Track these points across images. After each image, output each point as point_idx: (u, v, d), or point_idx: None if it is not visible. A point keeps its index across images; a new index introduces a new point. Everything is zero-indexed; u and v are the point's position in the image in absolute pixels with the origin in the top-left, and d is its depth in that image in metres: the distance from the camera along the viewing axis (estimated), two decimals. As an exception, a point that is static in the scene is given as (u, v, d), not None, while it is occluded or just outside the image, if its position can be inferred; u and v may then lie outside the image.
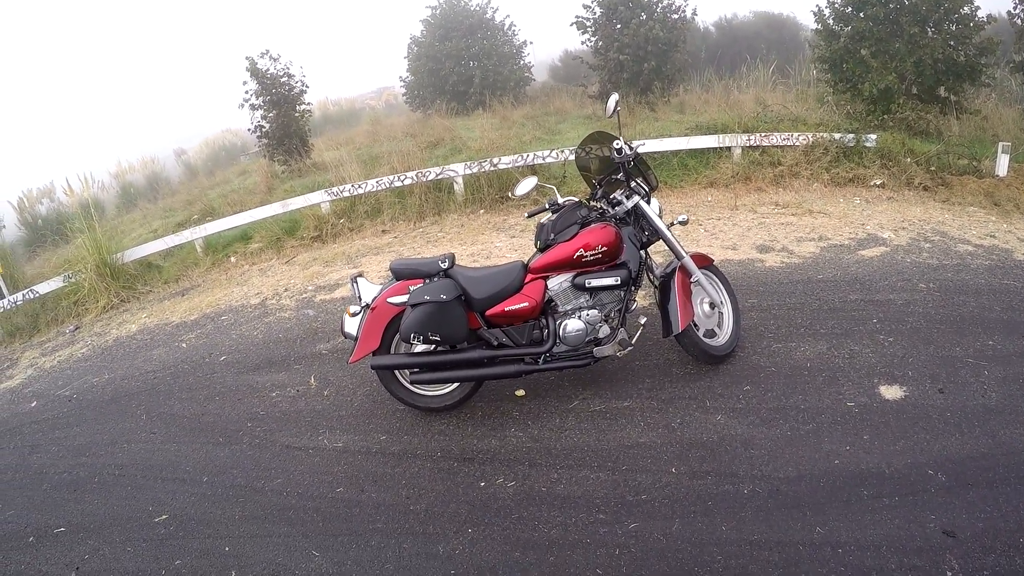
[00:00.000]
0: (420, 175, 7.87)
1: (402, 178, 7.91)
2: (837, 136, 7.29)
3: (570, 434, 3.35)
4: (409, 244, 7.06)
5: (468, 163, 7.83)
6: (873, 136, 7.26)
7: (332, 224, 7.85)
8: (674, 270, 3.58)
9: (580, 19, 11.30)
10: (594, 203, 3.68)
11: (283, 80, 10.97)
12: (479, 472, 3.17)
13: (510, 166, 7.73)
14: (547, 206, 3.62)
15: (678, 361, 3.85)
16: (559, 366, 3.44)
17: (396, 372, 3.58)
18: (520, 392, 3.75)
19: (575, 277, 3.40)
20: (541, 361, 3.42)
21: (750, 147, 7.51)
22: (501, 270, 3.46)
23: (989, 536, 2.47)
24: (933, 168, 6.87)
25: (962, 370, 3.53)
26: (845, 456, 2.98)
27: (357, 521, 3.02)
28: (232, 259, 7.87)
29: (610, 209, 3.60)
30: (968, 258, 5.01)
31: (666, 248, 3.68)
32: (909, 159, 7.00)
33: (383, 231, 7.69)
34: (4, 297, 7.73)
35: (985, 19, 7.92)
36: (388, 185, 7.92)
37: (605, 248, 3.35)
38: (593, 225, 3.45)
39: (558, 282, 3.42)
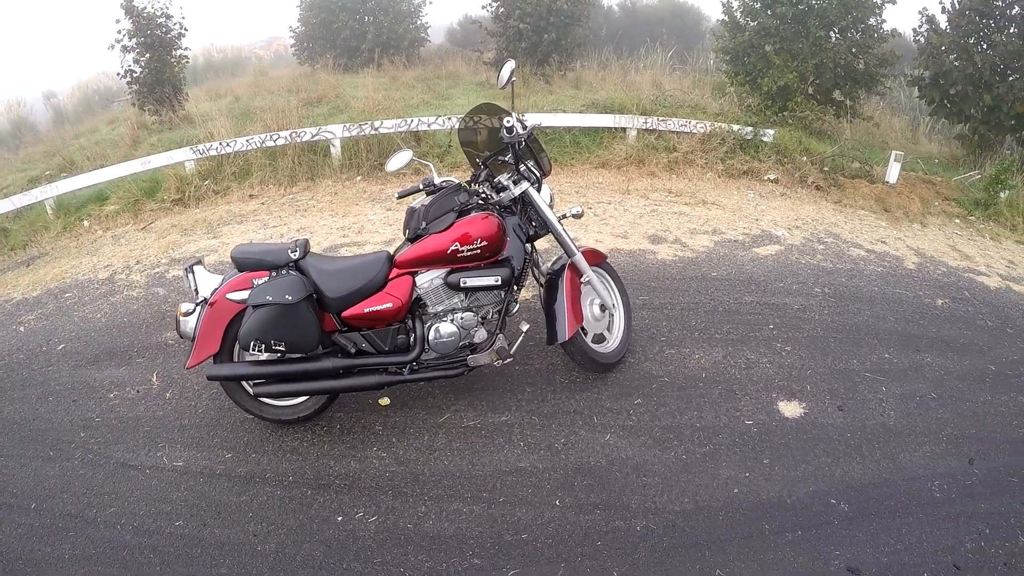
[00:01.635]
0: (294, 135, 7.00)
1: (275, 137, 7.02)
2: (736, 128, 7.10)
3: (440, 456, 2.91)
4: (276, 212, 6.27)
5: (347, 125, 7.06)
6: (771, 131, 7.13)
7: (196, 186, 6.87)
8: (563, 268, 3.11)
9: (484, -18, 10.46)
10: (476, 187, 3.10)
11: (160, 21, 9.47)
12: (336, 503, 2.70)
13: (392, 131, 7.03)
14: (421, 187, 3.05)
15: (562, 367, 3.45)
16: (427, 376, 2.95)
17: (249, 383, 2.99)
18: (384, 401, 3.26)
19: (448, 274, 2.86)
20: (407, 371, 2.91)
21: (646, 130, 7.18)
22: (362, 262, 2.89)
23: (894, 571, 2.36)
24: (827, 169, 6.81)
25: (860, 385, 3.38)
26: (744, 484, 2.73)
27: (198, 564, 2.51)
28: (85, 223, 6.74)
29: (494, 195, 3.03)
30: (861, 263, 4.86)
31: (555, 240, 3.20)
32: (804, 157, 6.92)
33: (251, 196, 6.81)
34: None
35: (890, 32, 8.02)
36: (259, 144, 7.01)
37: (485, 242, 2.83)
38: (473, 214, 2.91)
39: (428, 279, 2.87)
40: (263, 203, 6.64)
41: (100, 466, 3.14)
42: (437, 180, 3.03)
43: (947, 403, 3.32)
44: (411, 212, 2.95)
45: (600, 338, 3.36)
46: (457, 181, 3.05)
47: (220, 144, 7.01)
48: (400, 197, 3.15)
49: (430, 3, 14.88)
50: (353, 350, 2.91)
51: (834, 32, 7.84)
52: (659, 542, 2.48)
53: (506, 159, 3.03)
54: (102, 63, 9.53)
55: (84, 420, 3.50)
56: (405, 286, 2.84)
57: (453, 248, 2.81)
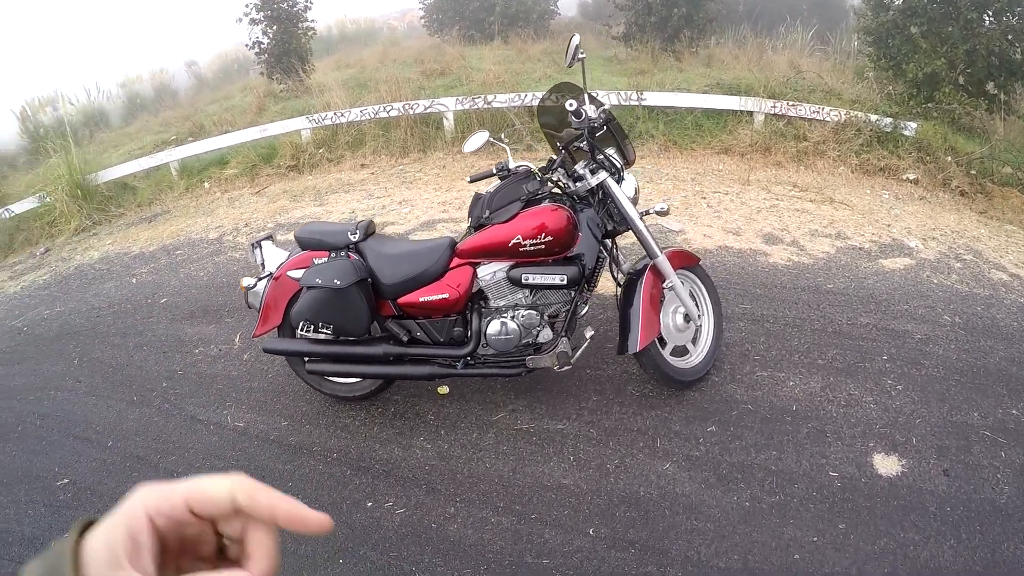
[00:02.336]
0: (408, 107, 7.08)
1: (388, 108, 7.14)
2: (873, 118, 6.25)
3: (484, 456, 2.75)
4: (383, 183, 6.39)
5: (460, 98, 7.02)
6: (913, 124, 6.21)
7: (310, 154, 7.19)
8: (644, 269, 2.81)
9: (615, -47, 10.06)
10: (550, 175, 2.84)
11: None
12: (370, 488, 2.64)
13: (505, 105, 6.86)
14: (494, 171, 2.82)
15: (637, 377, 3.13)
16: (482, 373, 2.79)
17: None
18: (443, 390, 3.15)
19: (512, 268, 2.66)
20: (460, 365, 2.77)
21: (774, 115, 6.50)
22: (423, 248, 2.77)
23: None
24: (974, 172, 5.85)
25: (976, 446, 2.76)
26: (809, 550, 2.32)
27: (231, 526, 2.57)
28: (206, 185, 7.28)
29: (570, 184, 2.78)
30: (1002, 290, 4.09)
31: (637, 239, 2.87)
32: (950, 157, 5.97)
33: (362, 165, 7.01)
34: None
35: None
36: (373, 115, 7.17)
37: (551, 237, 2.59)
38: (541, 205, 2.68)
39: (491, 271, 2.69)
40: (372, 173, 6.82)
41: (173, 416, 3.35)
42: (512, 164, 2.80)
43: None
44: (477, 198, 2.77)
45: (682, 350, 3.04)
46: (531, 167, 2.81)
47: (335, 114, 7.26)
48: (472, 181, 2.95)
49: (560, -26, 14.53)
50: (406, 338, 2.81)
51: (988, 15, 6.70)
52: (688, 600, 2.17)
53: (582, 145, 2.75)
54: (240, 34, 10.28)
55: (169, 371, 3.75)
56: (465, 277, 2.69)
57: (515, 241, 2.60)
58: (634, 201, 2.81)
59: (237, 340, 3.90)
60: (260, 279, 2.90)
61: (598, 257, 2.78)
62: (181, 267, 5.21)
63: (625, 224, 2.78)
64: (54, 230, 6.98)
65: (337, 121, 7.27)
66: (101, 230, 6.79)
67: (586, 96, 2.75)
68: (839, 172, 5.97)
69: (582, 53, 2.76)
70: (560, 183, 2.82)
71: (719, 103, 6.66)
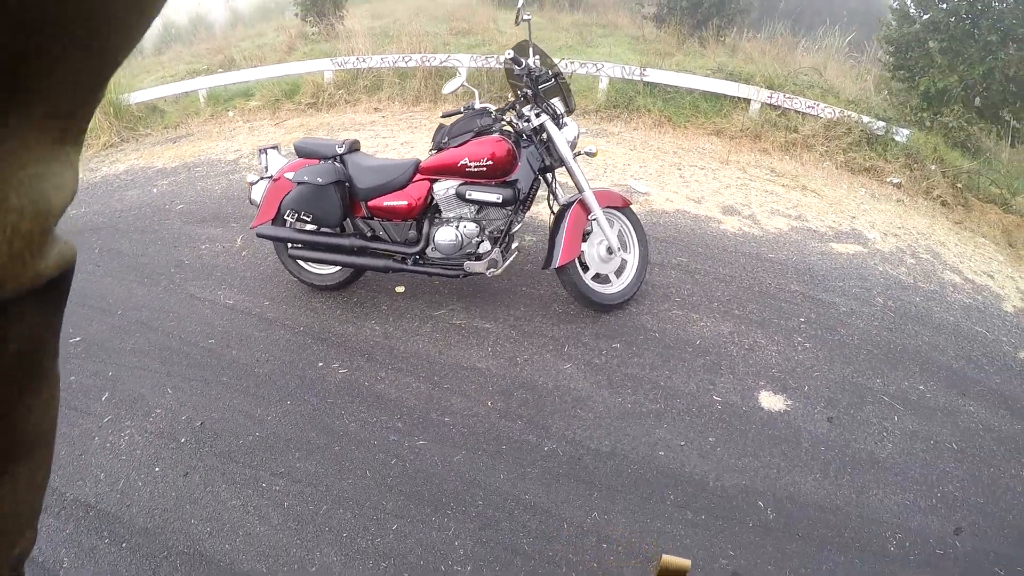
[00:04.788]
0: (424, 59, 7.73)
1: (407, 59, 7.79)
2: (866, 119, 6.62)
3: (419, 340, 3.45)
4: (391, 126, 7.06)
5: (474, 56, 7.62)
6: (906, 131, 6.56)
7: (330, 94, 7.89)
8: (573, 203, 3.45)
9: (653, -67, 10.46)
10: (503, 114, 3.50)
11: None
12: (324, 353, 3.37)
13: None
14: (462, 109, 3.48)
15: (564, 299, 3.73)
16: (428, 271, 3.47)
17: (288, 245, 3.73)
18: (400, 288, 3.87)
19: (460, 185, 3.33)
20: (411, 262, 3.47)
21: (770, 105, 6.91)
22: (394, 164, 3.46)
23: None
24: (960, 185, 6.11)
25: (869, 406, 3.08)
26: (674, 451, 2.74)
27: (210, 371, 3.31)
28: (230, 113, 8.04)
29: (519, 123, 3.43)
30: (949, 289, 4.37)
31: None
32: (935, 166, 6.26)
33: (375, 109, 7.69)
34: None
35: None
36: (392, 64, 7.84)
37: (491, 162, 3.24)
38: (487, 136, 3.33)
39: (444, 187, 3.36)
40: (383, 116, 7.49)
41: (175, 293, 4.10)
42: (477, 105, 3.46)
43: (965, 460, 2.88)
44: (440, 128, 3.44)
45: (604, 279, 3.63)
46: (489, 107, 3.45)
47: (357, 59, 7.96)
48: (444, 116, 3.60)
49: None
50: (369, 234, 3.53)
51: (1010, 39, 6.91)
52: (556, 467, 2.66)
53: (529, 92, 3.38)
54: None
55: (176, 261, 4.50)
56: (422, 190, 3.38)
57: (462, 162, 3.26)
58: (572, 145, 3.43)
59: (239, 241, 4.63)
60: (262, 178, 3.66)
61: (532, 185, 3.42)
62: (198, 181, 5.96)
63: (561, 162, 3.41)
64: (85, 143, 7.79)
65: (359, 66, 7.96)
66: (128, 147, 7.58)
67: (530, 50, 3.39)
68: (823, 166, 6.37)
69: (527, 15, 3.40)
70: (512, 123, 3.47)
71: (717, 87, 7.07)
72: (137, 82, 9.24)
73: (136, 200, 5.77)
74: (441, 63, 7.73)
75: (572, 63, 7.29)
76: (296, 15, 11.13)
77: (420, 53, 7.86)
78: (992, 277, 4.78)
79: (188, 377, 3.28)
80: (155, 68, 10.68)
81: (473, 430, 2.86)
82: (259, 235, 3.67)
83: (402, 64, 7.83)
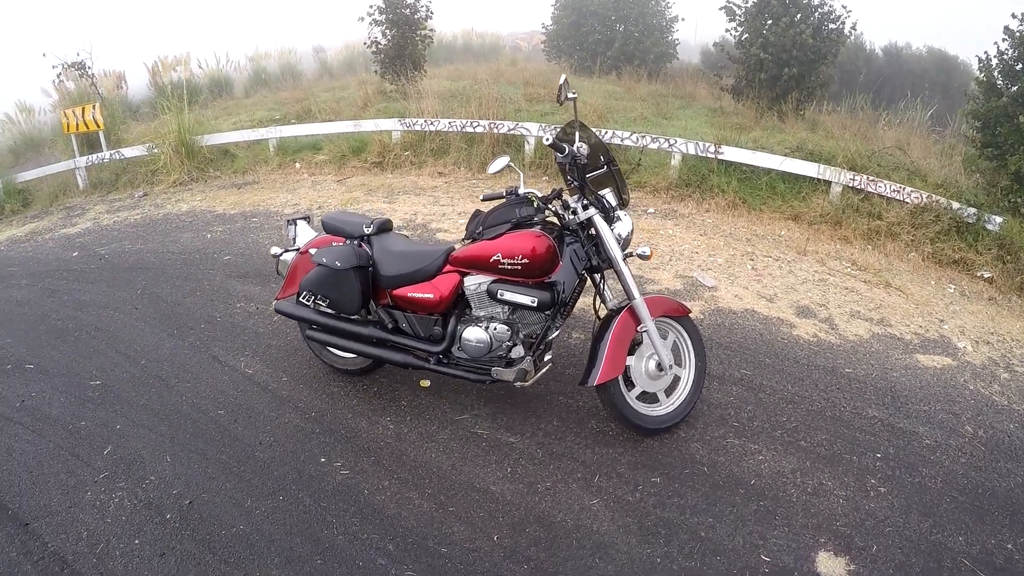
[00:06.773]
0: (493, 126, 7.74)
1: (474, 124, 7.84)
2: (955, 206, 6.07)
3: (432, 448, 3.16)
4: (453, 193, 7.04)
5: (543, 125, 7.52)
6: (999, 219, 5.94)
7: (396, 154, 7.99)
8: (622, 310, 3.07)
9: (730, 4, 10.38)
10: (548, 203, 3.15)
11: (409, 2, 11.09)
12: (329, 447, 3.16)
13: (583, 138, 7.39)
14: (504, 193, 3.19)
15: (604, 415, 3.30)
16: (452, 372, 3.19)
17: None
18: (425, 383, 3.62)
19: (492, 283, 3.04)
20: (433, 361, 3.20)
21: (852, 188, 6.47)
22: (424, 251, 3.24)
23: None
24: None
25: (948, 572, 2.57)
26: None
27: (212, 445, 3.20)
28: (297, 165, 8.26)
29: (565, 215, 3.13)
30: None
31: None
32: None
33: (440, 173, 7.72)
34: (102, 151, 8.67)
35: None
36: (459, 129, 7.89)
37: (527, 260, 2.89)
38: (528, 230, 3.02)
39: (475, 282, 3.09)
40: (447, 182, 7.50)
41: (199, 352, 4.06)
42: (522, 190, 3.15)
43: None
44: (476, 214, 3.21)
45: (652, 398, 3.23)
46: (535, 194, 3.13)
47: (425, 121, 8.06)
48: (484, 199, 3.28)
49: (683, 20, 15.18)
50: (391, 325, 3.31)
51: None
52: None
53: (576, 182, 3.07)
54: (366, 30, 11.53)
55: (209, 316, 4.51)
56: (451, 283, 3.12)
57: (495, 258, 2.96)
58: (626, 243, 3.12)
59: (273, 304, 4.58)
60: (288, 251, 3.57)
61: (576, 288, 3.11)
62: (251, 232, 6.05)
63: (610, 263, 3.06)
64: (155, 179, 8.28)
65: (427, 128, 8.06)
66: (195, 187, 7.90)
67: (577, 134, 3.12)
68: (909, 258, 5.85)
69: (573, 93, 3.10)
70: (557, 212, 3.16)
71: (796, 167, 6.69)
72: (217, 124, 9.69)
73: (189, 244, 5.91)
74: (509, 130, 7.72)
75: (643, 137, 7.10)
76: (376, 72, 11.54)
77: (488, 120, 7.88)
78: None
79: (189, 447, 3.17)
80: (237, 111, 11.23)
81: (470, 569, 2.51)
82: (277, 311, 3.56)
83: (469, 129, 7.88)
